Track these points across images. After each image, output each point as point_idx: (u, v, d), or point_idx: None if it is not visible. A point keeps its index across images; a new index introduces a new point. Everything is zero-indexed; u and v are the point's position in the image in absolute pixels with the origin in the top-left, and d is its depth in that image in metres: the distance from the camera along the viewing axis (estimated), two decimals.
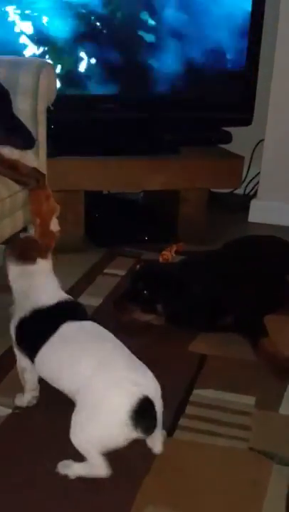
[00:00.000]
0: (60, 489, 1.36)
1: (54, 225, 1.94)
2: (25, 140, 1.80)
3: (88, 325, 1.50)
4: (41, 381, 1.59)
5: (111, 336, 1.49)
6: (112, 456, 1.43)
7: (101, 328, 1.50)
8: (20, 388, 1.61)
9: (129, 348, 1.48)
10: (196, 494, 1.37)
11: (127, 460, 1.44)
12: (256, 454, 1.49)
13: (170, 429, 1.55)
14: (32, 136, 1.79)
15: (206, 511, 1.33)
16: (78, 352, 1.43)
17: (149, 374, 1.40)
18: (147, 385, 1.37)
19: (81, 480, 1.38)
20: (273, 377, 1.75)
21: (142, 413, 1.32)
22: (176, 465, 1.45)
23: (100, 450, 1.35)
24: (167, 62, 2.71)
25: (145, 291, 1.92)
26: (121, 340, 1.55)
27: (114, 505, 1.33)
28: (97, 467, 1.36)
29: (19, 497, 1.34)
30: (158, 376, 1.72)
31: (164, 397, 1.64)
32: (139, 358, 1.42)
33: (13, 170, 1.79)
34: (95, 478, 1.37)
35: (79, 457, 1.39)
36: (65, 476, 1.38)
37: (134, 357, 1.44)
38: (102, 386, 1.35)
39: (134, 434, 1.33)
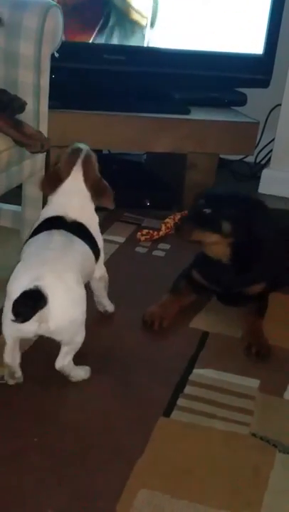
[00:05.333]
0: (48, 467, 1.37)
1: None
2: None
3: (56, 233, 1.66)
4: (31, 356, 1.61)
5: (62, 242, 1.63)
6: (104, 435, 1.47)
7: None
8: None
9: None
10: (193, 480, 1.38)
11: (119, 440, 1.46)
12: (258, 440, 1.50)
13: (168, 409, 1.57)
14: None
15: (204, 498, 1.33)
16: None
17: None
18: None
19: (69, 458, 1.39)
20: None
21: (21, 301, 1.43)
22: (172, 447, 1.46)
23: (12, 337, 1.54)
24: (181, 13, 2.66)
25: (206, 210, 1.86)
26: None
27: (104, 487, 1.33)
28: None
29: (7, 470, 1.35)
30: (156, 353, 1.76)
31: (162, 375, 1.67)
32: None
33: (17, 130, 1.78)
34: (87, 456, 1.40)
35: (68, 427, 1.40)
36: (54, 453, 1.40)
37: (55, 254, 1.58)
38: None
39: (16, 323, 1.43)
